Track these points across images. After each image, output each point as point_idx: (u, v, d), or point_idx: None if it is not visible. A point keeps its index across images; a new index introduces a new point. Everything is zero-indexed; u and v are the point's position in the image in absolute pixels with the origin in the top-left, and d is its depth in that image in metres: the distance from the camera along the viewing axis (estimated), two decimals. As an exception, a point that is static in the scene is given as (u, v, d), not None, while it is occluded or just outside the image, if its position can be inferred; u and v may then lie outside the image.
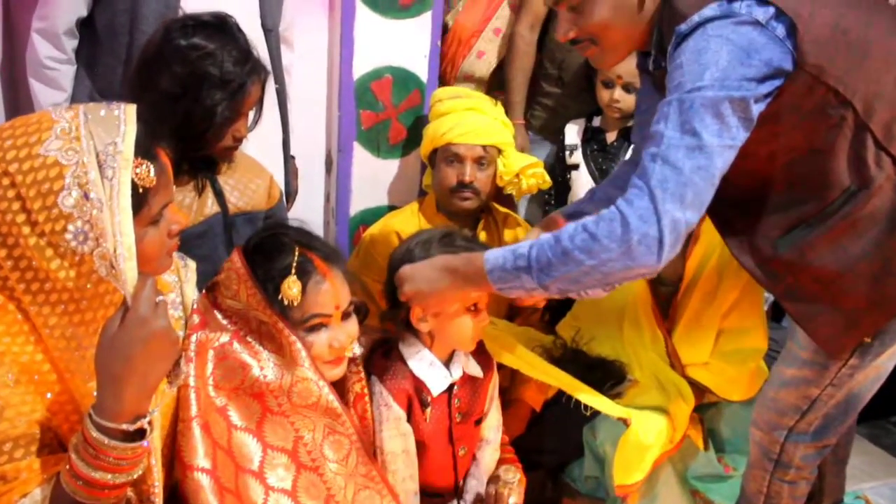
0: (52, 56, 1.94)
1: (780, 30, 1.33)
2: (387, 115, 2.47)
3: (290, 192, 2.35)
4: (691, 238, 1.97)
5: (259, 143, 1.99)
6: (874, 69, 1.39)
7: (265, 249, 1.45)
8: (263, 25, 2.10)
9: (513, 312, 2.46)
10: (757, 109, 1.35)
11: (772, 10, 1.33)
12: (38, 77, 1.96)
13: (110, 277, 1.07)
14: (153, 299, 1.04)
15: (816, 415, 1.62)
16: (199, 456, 1.31)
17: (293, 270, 1.41)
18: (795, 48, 1.33)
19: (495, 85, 2.66)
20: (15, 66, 2.09)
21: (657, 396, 1.98)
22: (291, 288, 1.40)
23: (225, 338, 1.42)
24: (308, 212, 2.55)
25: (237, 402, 1.42)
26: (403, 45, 2.43)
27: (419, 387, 1.65)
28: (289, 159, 2.30)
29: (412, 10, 2.40)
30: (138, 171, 1.09)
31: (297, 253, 1.43)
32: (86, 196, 1.04)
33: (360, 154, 2.48)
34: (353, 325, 1.52)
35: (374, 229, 2.37)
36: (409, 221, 2.33)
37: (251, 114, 1.76)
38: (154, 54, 1.65)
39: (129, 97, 1.69)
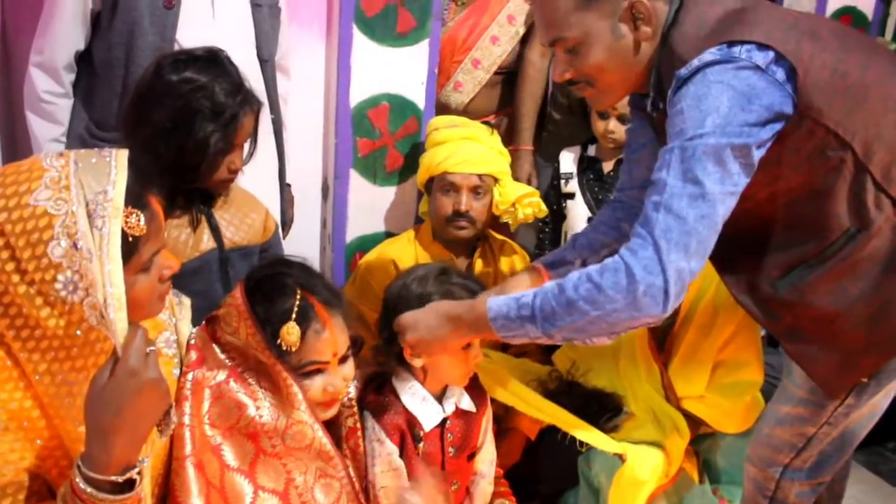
0: (50, 90, 1.95)
1: (780, 74, 1.33)
2: (383, 142, 2.47)
3: (287, 220, 2.35)
4: None
5: (255, 173, 1.98)
6: (873, 112, 1.40)
7: (266, 289, 1.45)
8: (259, 56, 2.11)
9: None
10: (758, 154, 1.35)
11: (771, 54, 1.33)
12: (35, 111, 1.97)
13: (101, 326, 1.07)
14: (144, 350, 1.04)
15: (812, 452, 1.61)
16: (194, 495, 1.32)
17: (293, 316, 1.41)
18: (795, 91, 1.33)
19: (473, 115, 2.65)
20: (11, 99, 2.09)
21: (653, 430, 1.98)
22: (291, 334, 1.40)
23: (222, 376, 1.43)
24: (304, 238, 2.56)
25: (232, 441, 1.42)
26: (400, 72, 2.44)
27: (411, 421, 1.66)
28: (285, 188, 2.30)
29: (409, 37, 2.41)
30: (129, 220, 1.09)
31: (298, 296, 1.43)
32: (75, 246, 1.05)
33: (356, 181, 2.48)
34: (349, 368, 1.53)
35: (371, 257, 2.37)
36: (405, 249, 2.33)
37: (246, 146, 1.76)
38: (146, 89, 1.67)
39: (123, 132, 1.71)
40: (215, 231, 1.76)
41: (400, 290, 1.65)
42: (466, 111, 2.68)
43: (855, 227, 1.42)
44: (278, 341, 1.40)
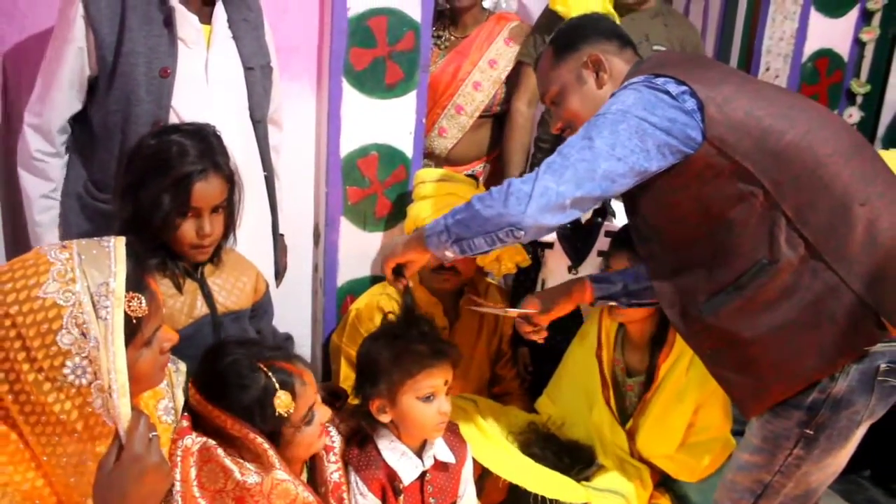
0: (42, 150, 2.00)
1: (690, 104, 1.55)
2: (373, 190, 2.56)
3: (280, 269, 2.42)
4: (665, 343, 2.09)
5: (249, 227, 2.05)
6: (789, 156, 1.55)
7: (230, 380, 1.53)
8: (252, 117, 2.17)
9: (494, 380, 2.55)
10: (658, 155, 1.56)
11: (685, 87, 1.56)
12: (27, 168, 2.02)
13: (103, 411, 1.15)
14: (147, 436, 1.13)
15: (770, 501, 1.69)
16: None
17: (277, 387, 1.51)
18: (703, 121, 1.53)
19: (457, 160, 2.76)
20: (11, 157, 2.15)
21: (617, 480, 2.06)
22: (284, 401, 1.51)
23: (211, 441, 1.50)
24: (296, 282, 2.64)
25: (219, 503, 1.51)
26: (389, 123, 2.51)
27: (392, 476, 1.75)
28: (278, 239, 2.38)
29: (397, 89, 2.49)
30: (131, 304, 1.17)
31: (266, 371, 1.53)
32: (84, 335, 1.13)
33: (346, 228, 2.56)
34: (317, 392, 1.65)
35: (360, 303, 2.45)
36: (393, 298, 2.41)
37: (217, 216, 1.80)
38: (128, 156, 1.80)
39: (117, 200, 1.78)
40: (208, 298, 1.83)
41: (365, 355, 1.81)
42: (449, 157, 2.76)
43: (766, 259, 1.57)
44: (268, 414, 1.49)
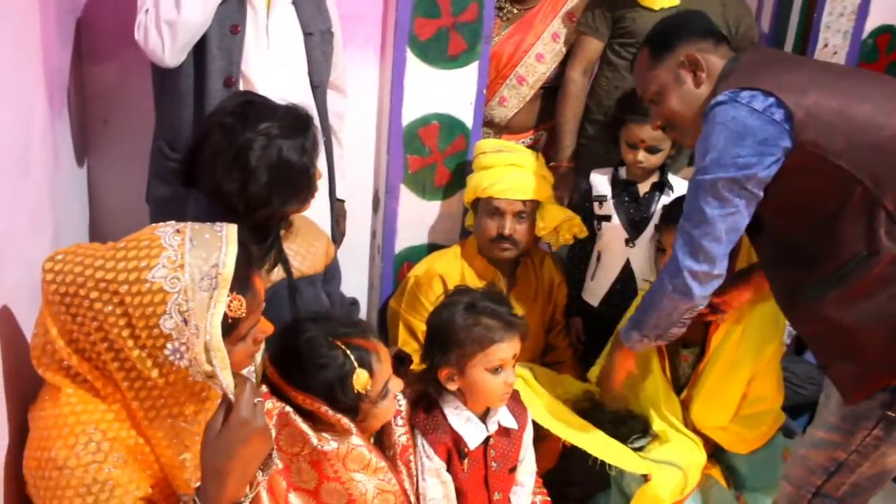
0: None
1: (779, 115, 1.60)
2: (433, 159, 2.59)
3: (338, 235, 2.47)
4: (718, 313, 2.11)
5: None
6: (887, 150, 1.58)
7: (306, 359, 1.56)
8: (311, 82, 2.21)
9: (546, 349, 2.60)
10: (756, 182, 1.64)
11: (772, 100, 1.60)
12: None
13: (209, 382, 1.21)
14: (253, 402, 1.19)
15: (844, 480, 1.73)
16: None
17: (356, 366, 1.55)
18: (793, 129, 1.58)
19: (516, 129, 2.78)
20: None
21: (673, 451, 2.10)
22: (363, 379, 1.55)
23: (289, 406, 1.57)
24: (355, 247, 2.70)
25: (294, 467, 1.57)
26: (450, 93, 2.54)
27: (457, 440, 1.80)
28: (335, 203, 2.40)
29: (460, 60, 2.51)
30: (231, 305, 1.20)
31: (344, 349, 1.56)
32: (185, 322, 1.17)
33: (406, 196, 2.60)
34: (389, 361, 1.69)
35: (419, 271, 2.50)
36: (451, 265, 2.46)
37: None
38: (216, 147, 1.71)
39: (202, 183, 1.77)
40: (285, 263, 1.87)
41: (437, 324, 1.82)
42: (509, 125, 2.79)
43: (866, 251, 1.60)
44: (356, 391, 1.54)
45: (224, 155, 1.69)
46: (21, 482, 1.25)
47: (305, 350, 1.56)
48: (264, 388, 1.58)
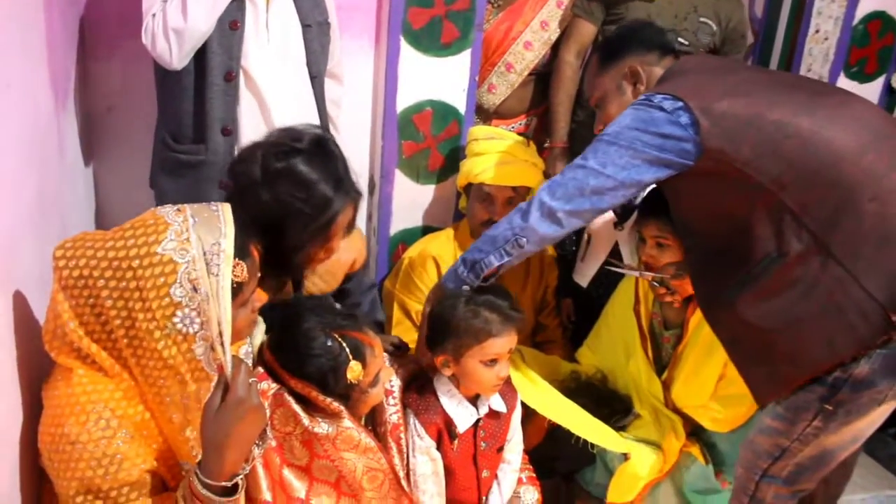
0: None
1: (685, 119, 1.67)
2: (426, 144, 2.66)
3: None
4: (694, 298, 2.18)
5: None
6: (790, 159, 1.64)
7: (302, 348, 1.62)
8: (309, 73, 2.28)
9: (537, 329, 2.69)
10: (651, 168, 1.71)
11: (680, 104, 1.68)
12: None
13: (204, 359, 1.30)
14: (248, 381, 1.28)
15: (788, 462, 1.80)
16: (263, 490, 1.56)
17: (350, 358, 1.62)
18: (698, 134, 1.65)
19: (506, 114, 2.83)
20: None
21: (653, 431, 2.19)
22: (356, 371, 1.62)
23: (284, 388, 1.65)
24: (352, 230, 2.78)
25: (288, 445, 1.66)
26: (443, 80, 2.61)
27: (448, 422, 1.88)
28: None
29: (452, 48, 2.58)
30: (235, 270, 1.31)
31: (339, 340, 1.63)
32: (195, 289, 1.27)
33: (400, 180, 2.68)
34: (382, 350, 1.76)
35: (413, 252, 2.58)
36: (444, 247, 2.54)
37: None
38: (252, 182, 1.66)
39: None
40: (298, 288, 1.94)
41: (437, 313, 1.88)
42: (498, 111, 2.85)
43: (776, 253, 1.68)
44: (348, 381, 1.62)
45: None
46: (35, 455, 1.35)
47: (302, 340, 1.63)
48: (260, 369, 1.67)
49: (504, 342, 1.83)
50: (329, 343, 1.62)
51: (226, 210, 1.35)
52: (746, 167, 1.65)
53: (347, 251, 2.00)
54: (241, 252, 1.34)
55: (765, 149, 1.64)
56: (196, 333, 1.29)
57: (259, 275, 1.42)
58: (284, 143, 1.70)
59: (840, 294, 1.62)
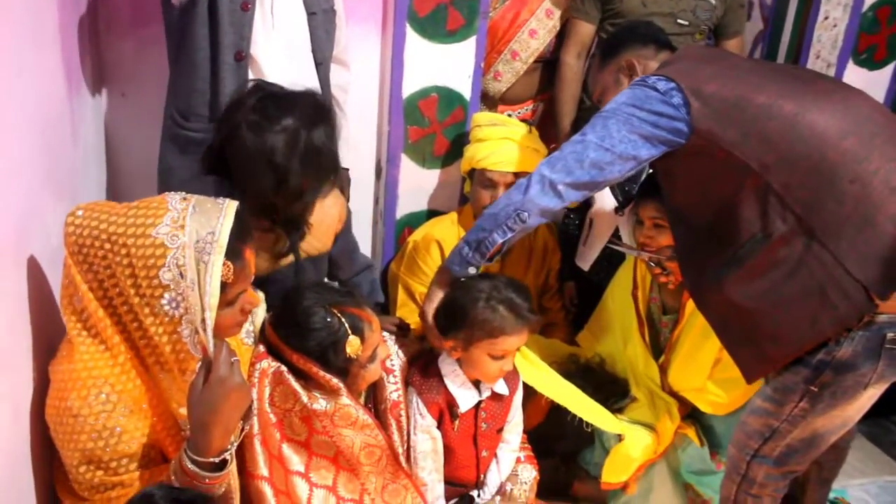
0: None
1: (677, 99, 1.73)
2: (432, 129, 2.70)
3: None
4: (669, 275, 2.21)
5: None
6: (774, 140, 1.68)
7: (304, 324, 1.69)
8: (315, 59, 2.31)
9: (539, 311, 2.72)
10: (646, 144, 1.76)
11: (672, 84, 1.73)
12: None
13: (189, 341, 1.35)
14: (229, 361, 1.33)
15: (778, 443, 1.84)
16: (260, 466, 1.62)
17: (349, 332, 1.68)
18: (689, 115, 1.71)
19: (512, 101, 2.86)
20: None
21: (648, 413, 2.23)
22: (355, 345, 1.68)
23: (284, 366, 1.71)
24: (359, 213, 2.80)
25: (286, 420, 1.71)
26: (449, 66, 2.63)
27: (451, 402, 1.94)
28: (340, 171, 2.50)
29: (458, 35, 2.60)
30: (222, 270, 1.35)
31: (338, 315, 1.69)
32: (181, 275, 1.32)
33: (406, 164, 2.72)
34: (379, 327, 1.82)
35: (417, 236, 2.62)
36: (448, 231, 2.57)
37: None
38: (247, 149, 1.75)
39: (228, 186, 1.82)
40: (295, 252, 1.98)
41: (455, 301, 1.91)
42: (504, 98, 2.87)
43: (761, 233, 1.72)
44: (347, 355, 1.67)
45: (255, 159, 1.75)
46: (44, 427, 1.42)
47: (303, 315, 1.70)
48: (261, 348, 1.73)
49: (515, 340, 1.88)
50: (329, 318, 1.68)
51: (230, 206, 1.39)
52: (733, 148, 1.69)
53: (333, 206, 2.08)
54: (231, 253, 1.37)
55: (750, 130, 1.68)
56: (181, 317, 1.34)
57: (251, 277, 1.46)
58: (276, 102, 1.80)
59: (822, 274, 1.66)
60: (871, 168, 1.65)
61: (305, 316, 1.70)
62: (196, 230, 1.34)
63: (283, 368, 1.70)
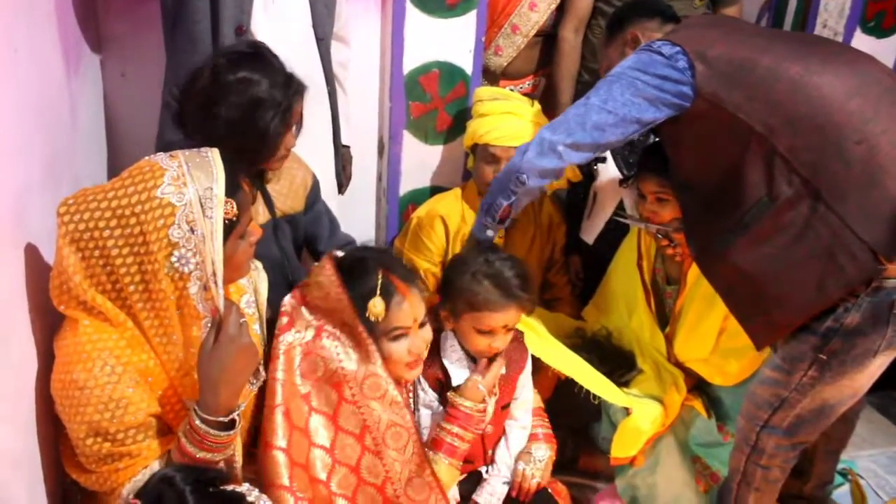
0: None
1: (682, 62, 1.74)
2: (434, 105, 2.68)
3: (343, 179, 2.58)
4: (675, 247, 2.20)
5: (311, 139, 2.20)
6: (779, 102, 1.68)
7: (352, 269, 1.69)
8: (315, 35, 2.30)
9: (545, 286, 2.72)
10: (651, 107, 1.77)
11: (678, 48, 1.75)
12: None
13: (196, 298, 1.36)
14: (238, 321, 1.35)
15: (787, 413, 1.83)
16: (278, 437, 1.59)
17: (378, 292, 1.65)
18: (694, 78, 1.72)
19: (513, 75, 2.84)
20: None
21: (655, 386, 2.22)
22: (377, 306, 1.65)
23: (310, 335, 1.66)
24: (362, 190, 2.83)
25: (318, 390, 1.67)
26: (450, 41, 2.62)
27: (448, 376, 1.93)
28: (339, 150, 2.50)
29: (458, 9, 2.58)
30: (225, 208, 1.37)
31: (380, 276, 1.67)
32: (192, 230, 1.33)
33: (409, 141, 2.71)
34: (427, 331, 1.76)
35: (421, 212, 2.61)
36: (452, 206, 2.57)
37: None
38: (209, 92, 1.80)
39: (188, 129, 1.86)
40: (270, 205, 2.01)
41: (446, 273, 1.94)
42: (506, 73, 2.86)
43: (767, 197, 1.71)
44: (366, 314, 1.64)
45: (202, 95, 1.79)
46: (50, 402, 1.42)
47: (357, 266, 1.71)
48: (284, 319, 1.69)
49: (499, 317, 1.86)
50: (373, 274, 1.67)
51: (215, 154, 1.40)
52: (738, 111, 1.69)
53: (297, 169, 2.14)
54: (230, 189, 1.38)
55: (756, 92, 1.68)
56: (191, 273, 1.35)
57: (251, 203, 1.48)
58: (228, 57, 1.84)
59: (829, 237, 1.64)
60: (877, 129, 1.63)
61: (356, 267, 1.70)
62: (198, 184, 1.35)
63: (309, 337, 1.66)
